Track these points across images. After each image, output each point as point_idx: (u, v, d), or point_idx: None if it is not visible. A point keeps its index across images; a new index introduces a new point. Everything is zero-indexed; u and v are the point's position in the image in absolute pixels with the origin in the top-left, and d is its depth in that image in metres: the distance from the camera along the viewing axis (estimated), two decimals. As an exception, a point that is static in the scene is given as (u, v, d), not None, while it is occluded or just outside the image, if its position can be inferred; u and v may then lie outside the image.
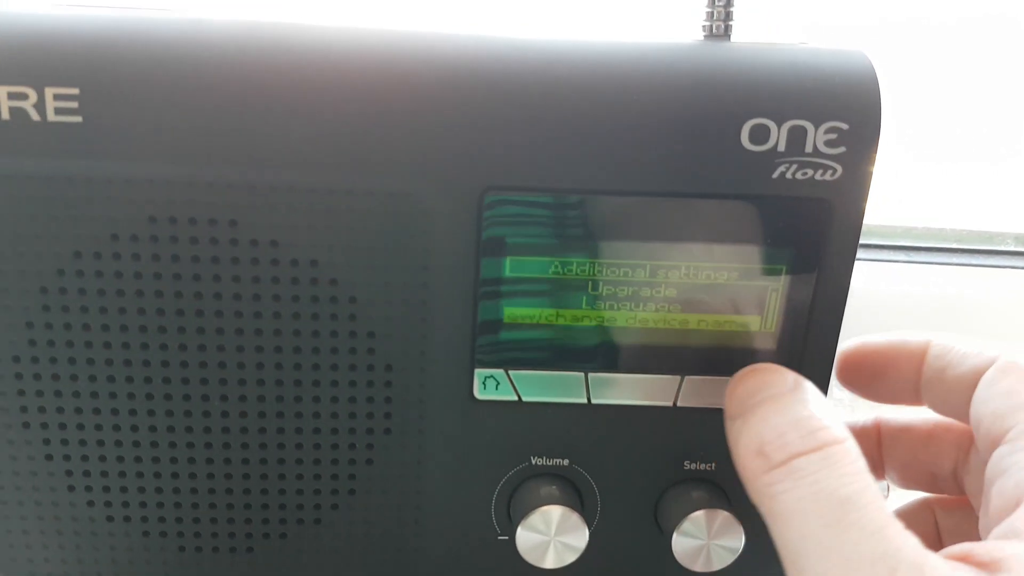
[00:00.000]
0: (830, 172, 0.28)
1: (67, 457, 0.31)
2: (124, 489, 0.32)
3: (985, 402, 0.28)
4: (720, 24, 0.29)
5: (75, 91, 0.27)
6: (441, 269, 0.29)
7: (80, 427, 0.31)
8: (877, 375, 0.31)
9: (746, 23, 0.30)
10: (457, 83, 0.28)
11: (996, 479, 0.26)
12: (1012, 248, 0.56)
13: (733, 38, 0.30)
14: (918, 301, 0.53)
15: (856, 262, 0.29)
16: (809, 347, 0.30)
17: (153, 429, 0.31)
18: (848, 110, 0.27)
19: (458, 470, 0.32)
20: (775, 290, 0.30)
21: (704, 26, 0.30)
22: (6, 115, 0.27)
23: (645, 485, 0.32)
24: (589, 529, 0.31)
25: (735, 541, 0.30)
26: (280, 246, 0.29)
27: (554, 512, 0.30)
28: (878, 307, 0.53)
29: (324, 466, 0.31)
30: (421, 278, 0.29)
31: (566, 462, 0.32)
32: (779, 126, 0.27)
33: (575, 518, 0.30)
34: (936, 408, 0.31)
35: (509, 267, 0.29)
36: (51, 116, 0.27)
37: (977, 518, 0.28)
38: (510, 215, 0.29)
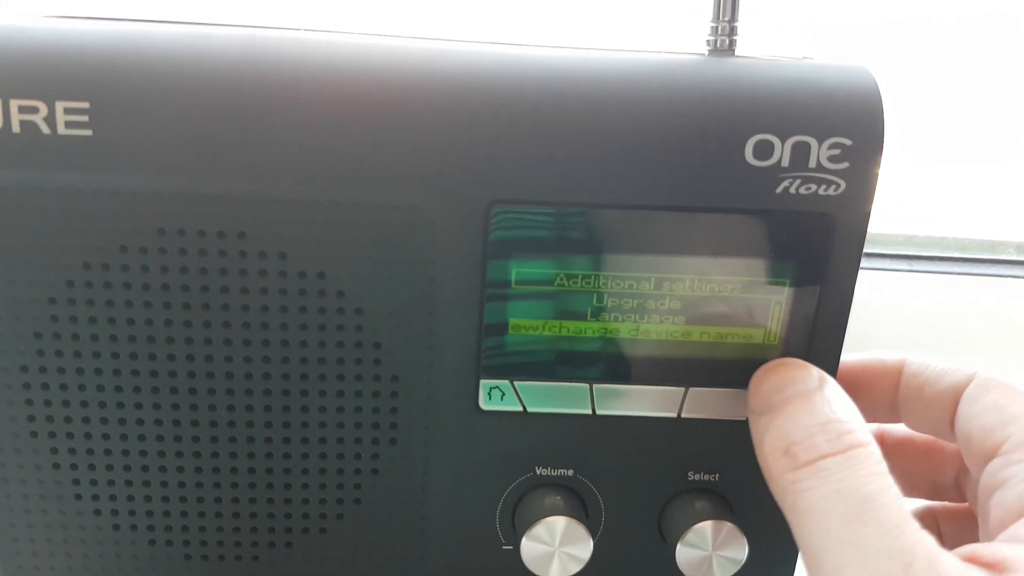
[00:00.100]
0: (833, 187, 0.28)
1: (74, 466, 0.31)
2: (131, 498, 0.32)
3: (972, 418, 0.28)
4: (724, 39, 0.30)
5: (85, 105, 0.27)
6: (447, 281, 0.29)
7: (87, 436, 0.31)
8: (852, 395, 0.32)
9: (750, 30, 0.30)
10: (464, 97, 0.28)
11: (994, 491, 0.27)
12: (1014, 257, 0.56)
13: (737, 52, 0.30)
14: (918, 310, 0.54)
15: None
16: (813, 359, 0.30)
17: (160, 439, 0.31)
18: (851, 126, 0.28)
19: (463, 480, 0.32)
20: (779, 303, 0.30)
21: (708, 41, 0.30)
22: (17, 128, 0.27)
23: (649, 496, 0.32)
24: (593, 539, 0.31)
25: (739, 552, 0.31)
26: (288, 258, 0.29)
27: (559, 523, 0.30)
28: (878, 316, 0.53)
29: (330, 476, 0.32)
30: (427, 290, 0.29)
31: (570, 472, 0.32)
32: (783, 142, 0.28)
33: (579, 529, 0.30)
34: (913, 425, 0.32)
35: (515, 279, 0.29)
36: (61, 129, 0.27)
37: (977, 525, 0.29)
38: (516, 228, 0.29)
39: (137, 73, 0.27)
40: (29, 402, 0.30)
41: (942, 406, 0.30)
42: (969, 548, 0.24)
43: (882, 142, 0.28)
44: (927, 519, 0.33)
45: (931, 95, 0.59)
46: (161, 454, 0.31)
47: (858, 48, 0.56)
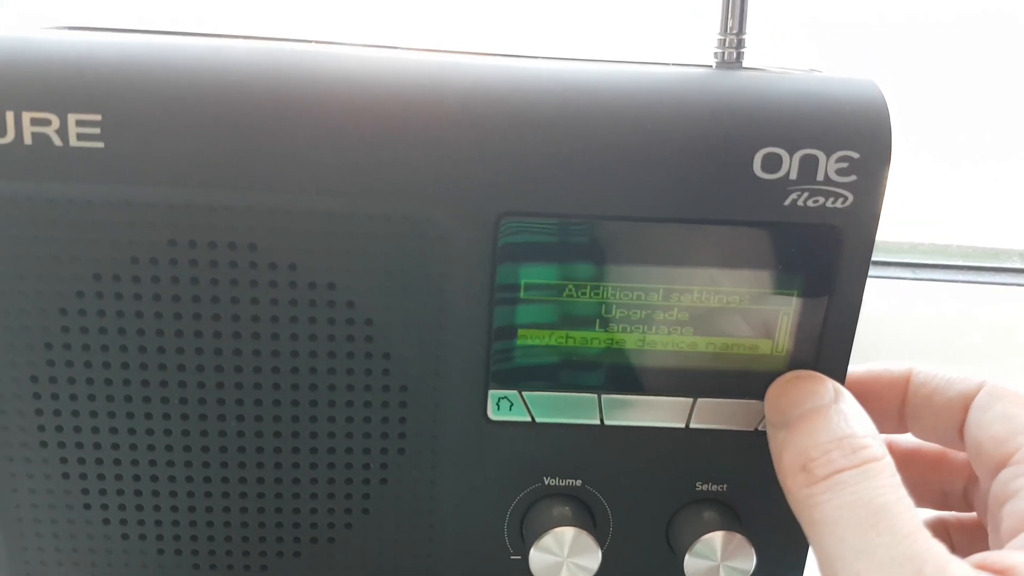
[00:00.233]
0: (841, 200, 0.28)
1: (84, 476, 0.31)
2: (140, 507, 0.32)
3: (983, 427, 0.29)
4: (732, 51, 0.30)
5: (97, 117, 0.27)
6: (456, 292, 0.29)
7: (97, 446, 0.31)
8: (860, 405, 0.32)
9: (755, 37, 0.30)
10: (473, 109, 0.28)
11: (1006, 500, 0.27)
12: (1018, 265, 0.56)
13: (744, 63, 0.30)
14: (921, 318, 0.54)
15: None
16: (820, 370, 0.30)
17: (169, 449, 0.31)
18: (859, 139, 0.28)
19: (471, 490, 0.32)
20: (786, 314, 0.30)
21: (716, 53, 0.30)
22: (29, 140, 0.27)
23: (657, 506, 0.32)
24: (601, 550, 0.31)
25: (746, 563, 0.31)
26: (298, 269, 0.29)
27: (567, 533, 0.31)
28: (882, 324, 0.53)
29: (338, 485, 0.32)
30: (437, 301, 0.30)
31: (579, 483, 0.32)
32: (791, 155, 0.28)
33: (588, 539, 0.30)
34: (921, 434, 0.32)
35: (524, 290, 0.30)
36: (73, 141, 0.27)
37: (988, 535, 0.29)
38: (525, 240, 0.29)
39: (149, 85, 0.27)
40: (39, 412, 0.30)
41: (951, 414, 0.30)
42: (980, 556, 0.25)
43: (890, 155, 0.28)
44: (939, 529, 0.34)
45: (930, 93, 0.59)
46: (170, 464, 0.31)
47: (856, 45, 0.57)
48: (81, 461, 0.31)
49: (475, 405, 0.31)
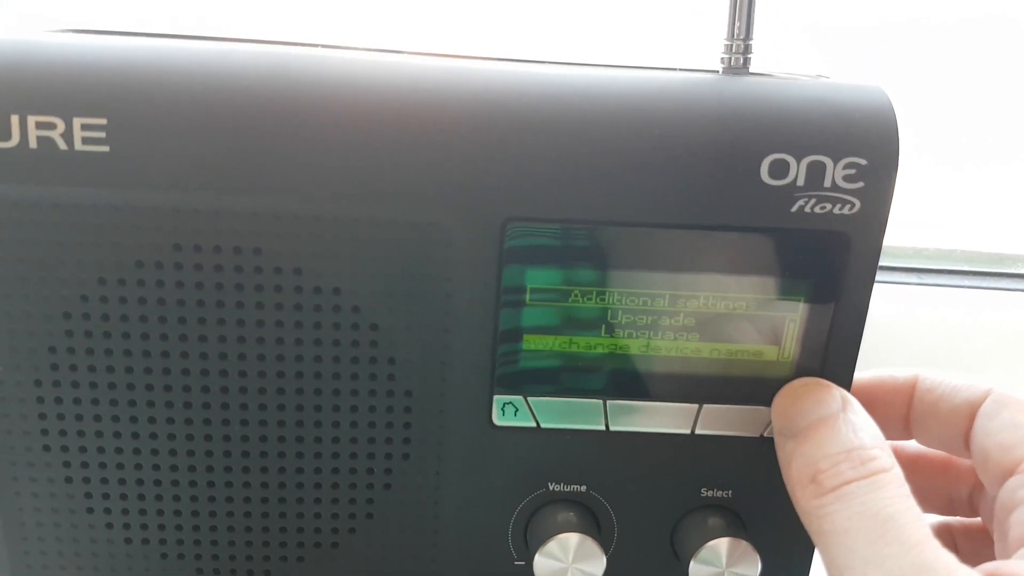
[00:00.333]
0: (848, 206, 0.28)
1: (87, 479, 0.31)
2: (143, 511, 0.32)
3: (990, 434, 0.29)
4: (739, 57, 0.30)
5: (103, 121, 0.27)
6: (462, 297, 0.29)
7: (100, 450, 0.31)
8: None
9: (760, 41, 0.30)
10: (479, 114, 0.28)
11: (1013, 508, 0.27)
12: (1023, 271, 0.56)
13: (751, 69, 0.30)
14: (927, 323, 0.54)
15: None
16: (826, 376, 0.30)
17: (173, 452, 0.31)
18: (866, 145, 0.28)
19: (476, 496, 0.32)
20: (793, 320, 0.30)
21: (723, 59, 0.30)
22: (34, 144, 0.27)
23: (662, 512, 0.32)
24: (606, 556, 0.31)
25: (752, 569, 0.31)
26: (303, 274, 0.29)
27: (571, 539, 0.30)
28: (887, 329, 0.53)
29: (342, 490, 0.32)
30: (442, 306, 0.30)
31: (583, 488, 0.32)
32: (798, 161, 0.28)
33: (592, 545, 0.30)
34: (926, 441, 0.32)
35: (529, 295, 0.30)
36: (78, 145, 0.27)
37: (993, 541, 0.29)
38: (531, 245, 0.29)
39: (154, 89, 0.27)
40: (43, 416, 0.30)
41: (957, 422, 0.30)
42: (991, 565, 0.25)
43: (897, 162, 0.28)
44: (944, 534, 0.34)
45: (931, 96, 0.59)
46: (174, 468, 0.31)
47: (858, 49, 0.57)
48: (84, 465, 0.31)
49: (480, 410, 0.31)
